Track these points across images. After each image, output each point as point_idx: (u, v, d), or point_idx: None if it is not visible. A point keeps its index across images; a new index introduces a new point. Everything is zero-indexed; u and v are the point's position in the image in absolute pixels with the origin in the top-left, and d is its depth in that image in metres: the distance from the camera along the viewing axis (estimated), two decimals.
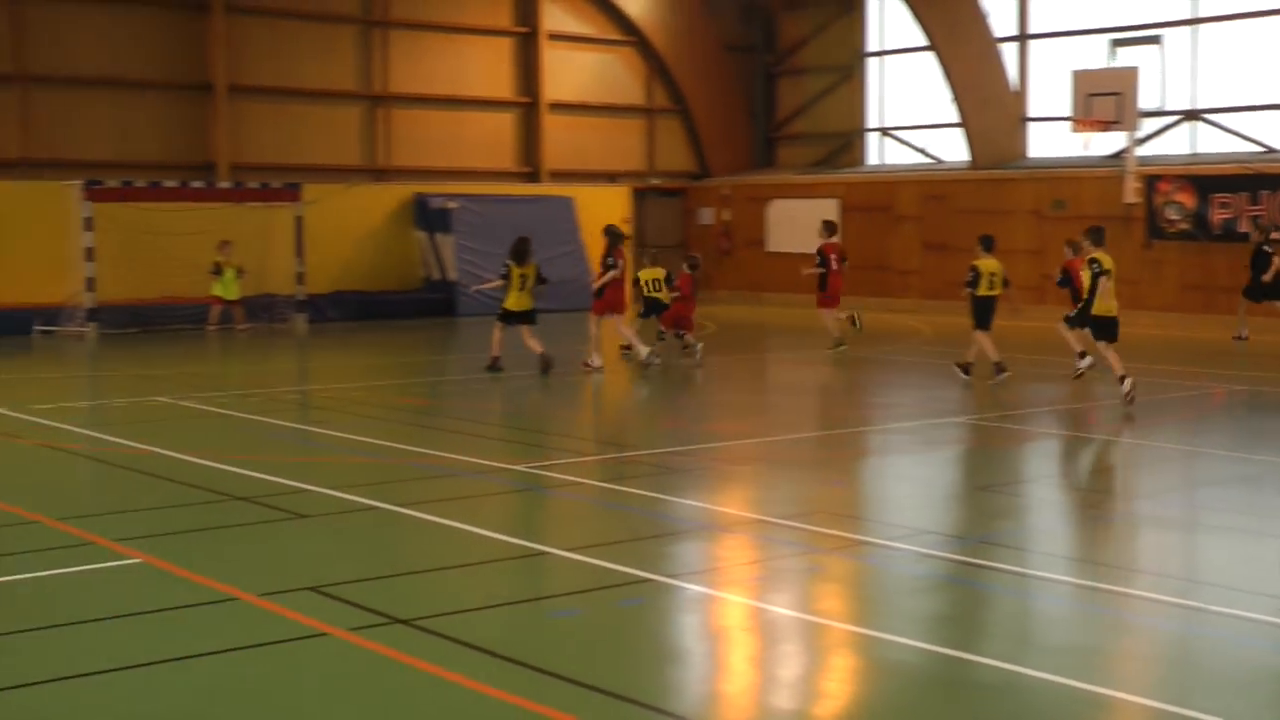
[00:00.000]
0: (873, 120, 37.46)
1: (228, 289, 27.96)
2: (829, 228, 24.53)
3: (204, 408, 17.83)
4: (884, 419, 17.64)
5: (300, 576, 9.40)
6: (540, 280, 20.86)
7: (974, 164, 33.36)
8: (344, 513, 11.48)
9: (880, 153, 37.35)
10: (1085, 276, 18.30)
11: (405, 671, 7.58)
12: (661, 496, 12.20)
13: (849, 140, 37.65)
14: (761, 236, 37.20)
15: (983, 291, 19.98)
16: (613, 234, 22.13)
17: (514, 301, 20.71)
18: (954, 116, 33.51)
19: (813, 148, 38.08)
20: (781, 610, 8.85)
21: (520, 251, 20.69)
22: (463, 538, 10.69)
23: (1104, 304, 17.97)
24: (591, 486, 12.62)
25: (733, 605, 9.03)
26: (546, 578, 9.79)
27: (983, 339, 19.91)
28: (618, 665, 7.85)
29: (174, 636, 8.19)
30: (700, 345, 22.08)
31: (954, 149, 34.62)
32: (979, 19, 33.10)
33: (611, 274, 21.58)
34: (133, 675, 7.57)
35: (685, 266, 23.39)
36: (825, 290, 23.80)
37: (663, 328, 23.06)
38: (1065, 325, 20.31)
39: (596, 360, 21.17)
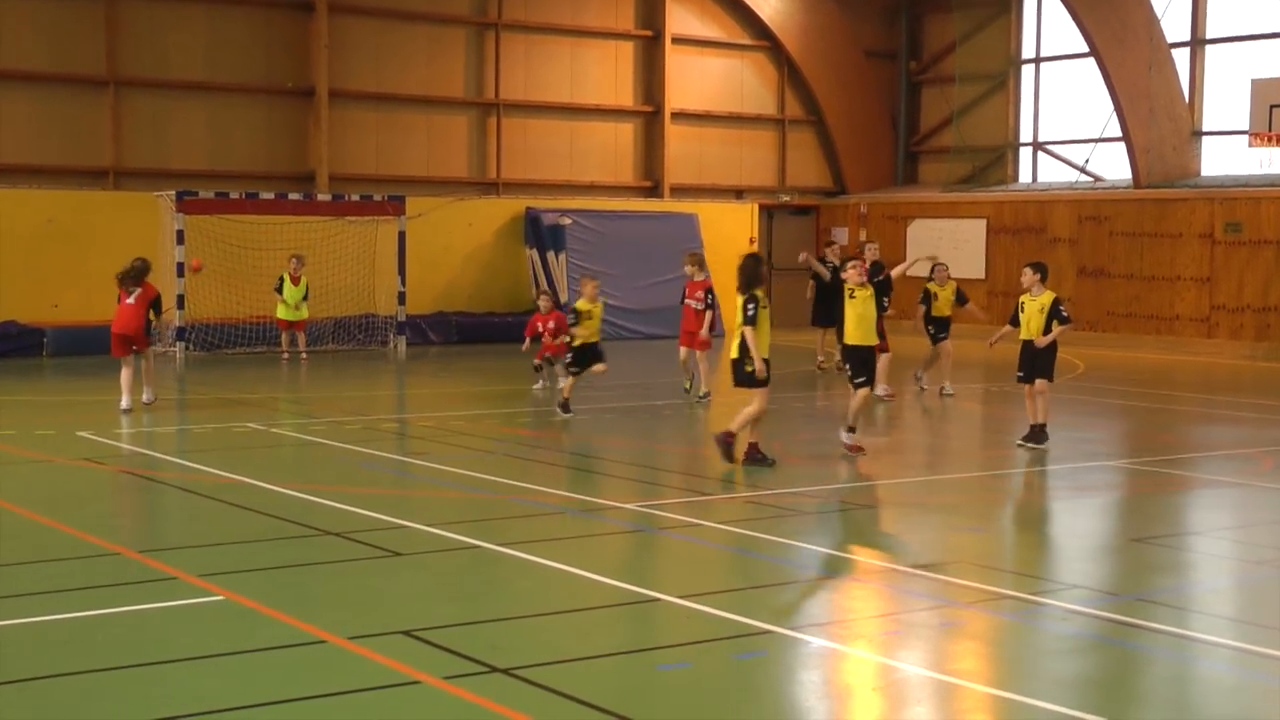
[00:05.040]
0: (1026, 134, 37.24)
1: (289, 311, 27.78)
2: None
3: (297, 435, 18.12)
4: (1029, 461, 17.49)
5: (393, 619, 9.52)
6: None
7: (1137, 182, 33.00)
8: (442, 551, 11.60)
9: (1034, 169, 37.10)
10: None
11: None
12: (785, 541, 12.20)
13: (999, 155, 37.43)
14: (900, 259, 36.99)
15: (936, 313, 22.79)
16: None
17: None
18: (1116, 130, 33.19)
19: (959, 163, 37.86)
20: (913, 669, 8.82)
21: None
22: (568, 581, 10.76)
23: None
24: (709, 528, 12.63)
25: (860, 662, 9.02)
26: (657, 627, 9.83)
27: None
28: None
29: (258, 680, 8.33)
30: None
31: (1115, 166, 34.29)
32: (1148, 22, 32.75)
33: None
34: None
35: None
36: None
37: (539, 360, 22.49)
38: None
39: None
